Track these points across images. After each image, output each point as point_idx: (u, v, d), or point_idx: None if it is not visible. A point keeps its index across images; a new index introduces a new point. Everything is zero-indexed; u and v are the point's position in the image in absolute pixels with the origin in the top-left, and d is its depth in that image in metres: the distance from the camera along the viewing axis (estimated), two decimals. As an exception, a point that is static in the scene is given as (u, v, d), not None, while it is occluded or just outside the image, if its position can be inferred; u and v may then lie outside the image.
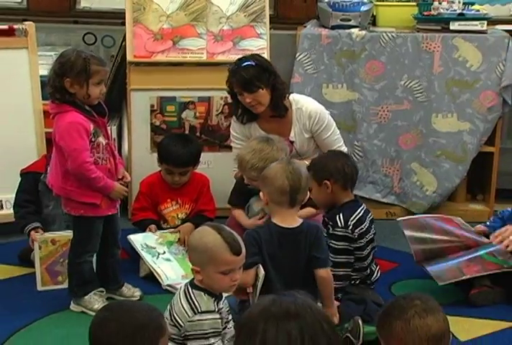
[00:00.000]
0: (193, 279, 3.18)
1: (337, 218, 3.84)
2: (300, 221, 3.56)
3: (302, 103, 4.42)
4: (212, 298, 3.09)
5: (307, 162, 4.08)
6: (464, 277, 3.96)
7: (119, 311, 2.49)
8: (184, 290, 3.13)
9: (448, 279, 3.98)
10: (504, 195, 4.51)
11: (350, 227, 3.82)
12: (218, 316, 3.05)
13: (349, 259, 3.82)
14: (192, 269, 3.13)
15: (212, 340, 3.02)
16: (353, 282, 3.89)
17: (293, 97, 4.43)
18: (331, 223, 3.86)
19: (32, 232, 4.12)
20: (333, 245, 3.82)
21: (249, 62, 4.23)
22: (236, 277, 3.10)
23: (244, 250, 3.12)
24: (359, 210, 3.91)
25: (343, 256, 3.79)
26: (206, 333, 3.02)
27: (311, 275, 3.52)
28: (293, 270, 3.48)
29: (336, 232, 3.84)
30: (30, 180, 4.25)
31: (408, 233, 4.23)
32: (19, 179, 4.34)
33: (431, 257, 4.13)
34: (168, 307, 3.16)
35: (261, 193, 3.60)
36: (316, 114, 4.38)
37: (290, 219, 3.51)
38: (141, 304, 2.65)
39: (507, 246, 3.96)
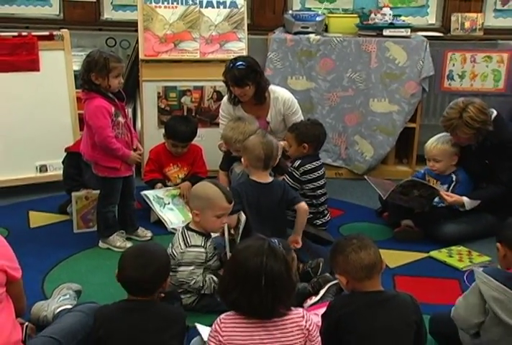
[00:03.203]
0: (188, 223, 3.22)
1: (295, 162, 3.95)
2: (271, 178, 3.60)
3: (278, 92, 4.40)
4: (201, 237, 3.13)
5: (282, 143, 4.10)
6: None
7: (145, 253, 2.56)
8: (181, 231, 3.18)
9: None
10: (422, 159, 4.53)
11: (300, 171, 3.92)
12: (203, 250, 3.10)
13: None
14: (193, 213, 3.15)
15: (193, 267, 3.08)
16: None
17: (271, 88, 4.39)
18: (291, 164, 3.94)
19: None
20: (286, 180, 3.90)
21: (241, 63, 4.17)
22: (224, 221, 3.15)
23: (233, 201, 3.17)
24: (315, 162, 3.98)
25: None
26: (191, 262, 3.08)
27: (281, 219, 3.57)
28: (268, 215, 3.51)
29: (291, 170, 3.94)
30: (75, 158, 4.16)
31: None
32: (64, 153, 4.33)
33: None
34: (170, 245, 3.20)
35: (242, 159, 3.63)
36: (288, 101, 4.37)
37: (264, 177, 3.56)
38: (158, 249, 2.66)
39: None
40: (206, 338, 2.51)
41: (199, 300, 3.15)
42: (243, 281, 2.22)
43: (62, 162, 4.36)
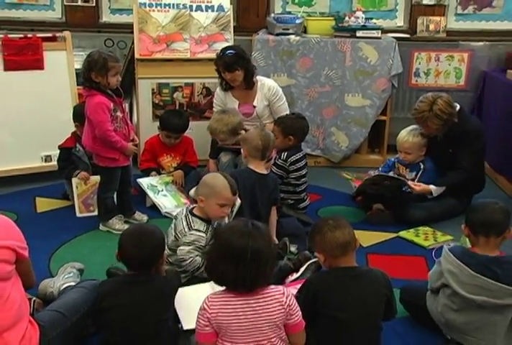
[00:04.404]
0: (193, 208, 3.17)
1: (282, 154, 3.93)
2: (267, 172, 3.59)
3: (265, 80, 4.46)
4: (204, 223, 3.10)
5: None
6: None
7: (140, 235, 2.55)
8: (185, 215, 3.12)
9: None
10: (392, 148, 4.57)
11: (288, 163, 3.90)
12: (204, 235, 3.05)
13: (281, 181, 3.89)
14: (198, 198, 3.10)
15: (192, 247, 3.04)
16: (288, 201, 3.96)
17: (259, 77, 4.46)
18: (277, 156, 3.93)
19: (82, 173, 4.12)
20: (273, 170, 3.87)
21: (231, 51, 4.24)
22: (226, 211, 3.10)
23: (237, 193, 3.13)
24: (299, 153, 3.97)
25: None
26: (191, 242, 3.04)
27: (268, 209, 3.55)
28: (259, 203, 3.50)
29: (277, 162, 3.92)
30: (66, 152, 4.22)
31: None
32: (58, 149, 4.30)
33: None
34: (172, 226, 3.16)
35: (242, 149, 3.61)
36: (273, 88, 4.41)
37: (261, 168, 3.53)
38: (154, 229, 2.63)
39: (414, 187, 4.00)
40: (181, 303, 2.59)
41: (190, 281, 3.13)
42: (230, 255, 2.21)
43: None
